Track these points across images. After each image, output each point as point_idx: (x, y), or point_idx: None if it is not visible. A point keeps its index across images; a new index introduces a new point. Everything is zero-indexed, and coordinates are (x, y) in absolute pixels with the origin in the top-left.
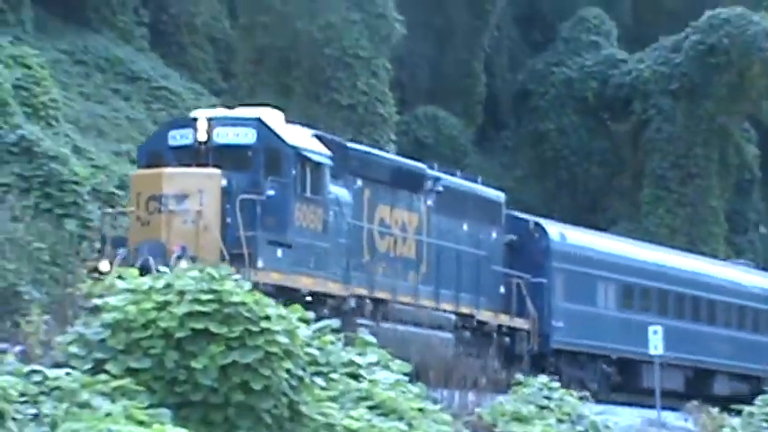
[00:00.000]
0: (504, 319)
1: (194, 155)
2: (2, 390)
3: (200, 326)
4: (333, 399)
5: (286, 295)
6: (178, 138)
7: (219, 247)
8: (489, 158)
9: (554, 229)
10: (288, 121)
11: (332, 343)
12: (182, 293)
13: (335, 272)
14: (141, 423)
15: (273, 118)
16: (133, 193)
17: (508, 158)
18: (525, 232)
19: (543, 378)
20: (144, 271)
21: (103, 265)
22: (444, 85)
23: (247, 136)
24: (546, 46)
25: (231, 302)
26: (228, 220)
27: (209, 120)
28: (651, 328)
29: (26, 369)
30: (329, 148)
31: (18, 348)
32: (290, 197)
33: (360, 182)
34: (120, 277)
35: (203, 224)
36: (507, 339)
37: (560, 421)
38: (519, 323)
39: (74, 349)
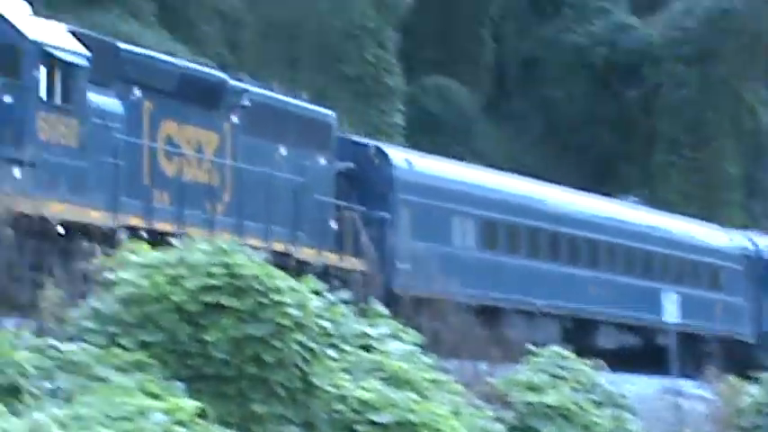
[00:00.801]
0: (332, 259)
1: None
2: (18, 364)
3: (211, 299)
4: (345, 370)
5: (34, 226)
6: None
7: None
8: (497, 127)
9: (399, 156)
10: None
11: (344, 315)
12: (193, 267)
13: (99, 198)
14: (155, 396)
15: (12, 8)
16: None
17: (517, 126)
18: (365, 159)
19: (555, 347)
20: None
21: None
22: (452, 54)
23: None
24: (554, 12)
25: (242, 275)
26: None
27: None
28: (666, 295)
29: (41, 343)
30: (91, 49)
31: (33, 323)
32: (30, 105)
33: (138, 92)
34: (132, 251)
35: None
36: (338, 283)
37: (575, 390)
38: (352, 264)
39: (88, 323)
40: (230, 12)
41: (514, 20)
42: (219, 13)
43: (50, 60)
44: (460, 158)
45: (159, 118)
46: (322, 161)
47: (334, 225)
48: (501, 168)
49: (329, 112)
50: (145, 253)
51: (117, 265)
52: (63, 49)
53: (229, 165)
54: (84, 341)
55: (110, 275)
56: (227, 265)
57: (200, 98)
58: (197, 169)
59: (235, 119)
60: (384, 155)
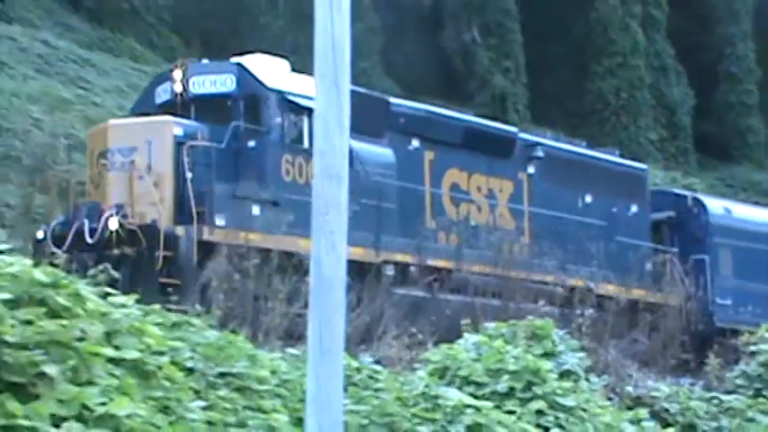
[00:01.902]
0: (639, 294)
1: (175, 110)
2: (693, 410)
3: None
4: None
5: (281, 260)
6: (161, 93)
7: (171, 206)
8: None
9: (717, 204)
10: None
11: None
12: None
13: (358, 237)
14: None
15: (263, 63)
16: (88, 153)
17: None
18: (684, 209)
19: None
20: (79, 235)
21: (39, 233)
22: None
23: (225, 83)
24: None
25: None
26: (189, 174)
27: (185, 69)
28: None
29: (708, 395)
30: (358, 103)
31: (700, 382)
32: (273, 148)
33: (416, 142)
34: None
35: (154, 180)
36: (649, 317)
37: None
38: (662, 299)
39: (739, 381)
40: None
41: None
42: None
43: (296, 108)
44: None
45: (443, 167)
46: (633, 209)
47: (648, 267)
48: None
49: (642, 165)
50: None
51: (758, 339)
52: (307, 97)
53: (527, 210)
54: (738, 393)
55: (752, 347)
56: None
57: (490, 150)
58: (489, 214)
59: (531, 169)
60: (702, 204)
